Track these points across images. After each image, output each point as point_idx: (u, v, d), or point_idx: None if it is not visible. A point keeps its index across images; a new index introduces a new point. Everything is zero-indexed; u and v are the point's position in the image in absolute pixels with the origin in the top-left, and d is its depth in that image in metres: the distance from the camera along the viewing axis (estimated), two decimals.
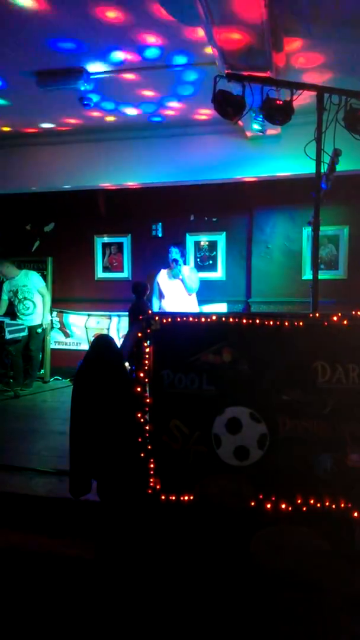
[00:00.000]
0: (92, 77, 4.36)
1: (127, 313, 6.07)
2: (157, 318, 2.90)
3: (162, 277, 5.92)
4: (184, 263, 5.90)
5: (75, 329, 7.18)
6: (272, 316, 2.83)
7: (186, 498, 2.87)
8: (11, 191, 6.69)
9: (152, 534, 2.81)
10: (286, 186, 6.03)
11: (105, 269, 7.17)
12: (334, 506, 2.73)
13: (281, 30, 3.56)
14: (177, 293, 5.80)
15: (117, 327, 6.95)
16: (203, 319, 2.92)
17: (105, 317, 7.04)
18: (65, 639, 2.20)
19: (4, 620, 2.30)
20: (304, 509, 2.75)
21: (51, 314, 6.94)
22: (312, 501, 2.75)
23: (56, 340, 7.22)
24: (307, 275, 6.21)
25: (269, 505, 2.78)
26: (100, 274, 7.19)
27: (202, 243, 6.79)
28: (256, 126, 4.64)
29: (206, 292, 6.34)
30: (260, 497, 2.79)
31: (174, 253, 5.77)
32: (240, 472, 2.81)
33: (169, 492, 2.88)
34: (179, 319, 2.94)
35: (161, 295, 5.92)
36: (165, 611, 2.31)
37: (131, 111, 5.35)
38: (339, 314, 2.76)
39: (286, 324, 2.78)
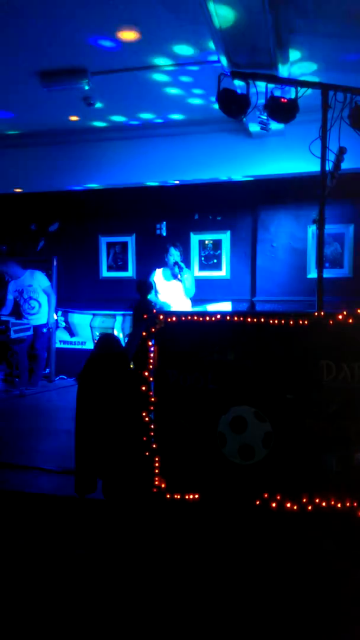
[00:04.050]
0: (95, 76, 4.36)
1: (131, 312, 6.08)
2: (161, 317, 2.90)
3: (159, 276, 5.91)
4: (185, 265, 5.91)
5: (80, 328, 7.19)
6: (277, 315, 2.82)
7: (191, 497, 2.87)
8: (16, 191, 6.71)
9: (157, 532, 2.81)
10: (291, 184, 6.02)
11: (110, 268, 7.18)
12: (339, 505, 2.72)
13: (285, 27, 3.55)
14: (173, 293, 5.80)
15: (121, 326, 6.95)
16: (208, 318, 2.92)
17: (110, 316, 7.05)
18: (69, 635, 2.20)
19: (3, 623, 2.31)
20: (309, 508, 2.74)
21: (56, 313, 6.96)
22: (317, 500, 2.74)
23: (61, 340, 7.24)
24: (312, 273, 6.19)
25: (274, 505, 2.77)
26: (104, 273, 7.20)
27: (206, 242, 6.78)
28: (260, 124, 4.63)
29: (210, 291, 6.35)
30: (265, 496, 2.78)
31: (176, 256, 5.77)
32: (245, 471, 2.81)
33: (174, 491, 2.88)
34: (183, 318, 2.94)
35: (156, 294, 5.92)
36: (166, 610, 2.32)
37: (134, 110, 5.35)
38: (344, 313, 2.75)
39: (291, 322, 2.77)
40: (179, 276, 5.71)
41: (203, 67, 4.27)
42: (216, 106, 3.78)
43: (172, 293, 5.80)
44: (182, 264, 5.73)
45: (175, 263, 5.70)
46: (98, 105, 5.03)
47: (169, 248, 5.85)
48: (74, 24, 3.63)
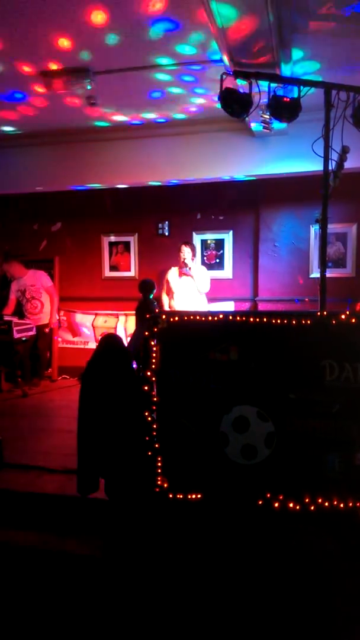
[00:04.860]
0: (98, 76, 4.36)
1: (134, 312, 6.08)
2: (164, 317, 2.90)
3: (172, 275, 5.96)
4: (194, 262, 5.93)
5: (83, 328, 7.20)
6: (280, 314, 2.82)
7: (194, 497, 2.87)
8: (18, 191, 6.72)
9: (159, 532, 2.81)
10: (293, 184, 6.01)
11: (112, 268, 7.18)
12: (342, 505, 2.72)
13: (288, 26, 3.54)
14: (187, 291, 5.83)
15: (124, 326, 6.96)
16: (210, 318, 2.92)
17: (113, 316, 7.06)
18: (72, 637, 2.20)
19: (9, 617, 2.32)
20: (312, 508, 2.74)
21: (59, 313, 6.96)
22: (320, 500, 2.73)
23: (64, 339, 7.25)
24: (315, 273, 6.18)
25: (276, 504, 2.77)
26: (107, 273, 7.20)
27: (209, 242, 6.78)
28: (263, 124, 4.62)
29: (213, 290, 6.35)
30: (268, 496, 2.78)
31: (186, 253, 5.79)
32: (247, 470, 2.80)
33: (176, 490, 2.88)
34: (186, 318, 2.94)
35: (170, 293, 5.95)
36: (168, 608, 2.31)
37: (136, 110, 5.35)
38: (347, 312, 2.74)
39: (293, 322, 2.77)
40: (190, 274, 5.76)
41: (205, 67, 4.26)
42: (219, 105, 3.77)
43: (186, 291, 5.84)
44: (190, 262, 5.77)
45: (183, 261, 5.76)
46: (100, 105, 5.03)
47: (180, 246, 5.89)
48: (77, 25, 3.63)
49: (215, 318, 2.90)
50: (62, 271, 7.20)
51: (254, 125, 5.22)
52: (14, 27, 3.66)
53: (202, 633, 2.18)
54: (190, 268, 5.76)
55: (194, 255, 5.89)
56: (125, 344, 4.37)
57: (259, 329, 2.81)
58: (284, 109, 3.67)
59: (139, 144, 6.01)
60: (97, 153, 6.14)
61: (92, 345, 6.95)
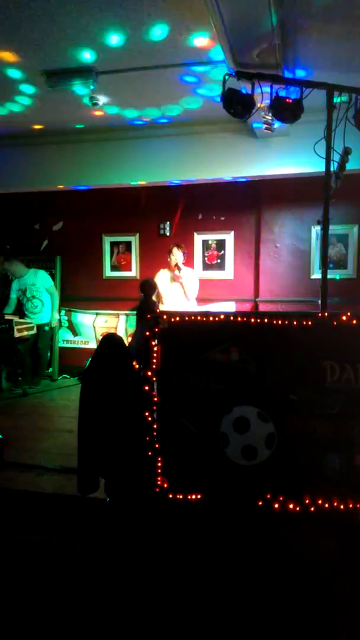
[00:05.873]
0: (100, 76, 4.36)
1: (135, 312, 6.08)
2: (164, 317, 2.90)
3: (162, 278, 5.88)
4: (187, 266, 5.88)
5: (84, 328, 7.20)
6: (281, 315, 2.82)
7: (194, 497, 2.87)
8: (20, 190, 6.72)
9: (159, 532, 2.81)
10: (295, 185, 6.01)
11: (113, 268, 7.19)
12: (342, 506, 2.72)
13: (290, 27, 3.54)
14: (176, 296, 5.77)
15: (125, 325, 6.96)
16: (211, 318, 2.92)
17: (114, 315, 7.06)
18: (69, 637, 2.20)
19: (7, 615, 2.32)
20: (312, 509, 2.74)
21: (59, 312, 6.97)
22: (320, 501, 2.74)
23: (64, 339, 7.25)
24: (316, 274, 6.18)
25: (276, 505, 2.77)
26: (108, 272, 7.21)
27: (210, 242, 6.78)
28: (265, 125, 4.63)
29: (214, 291, 6.35)
30: (268, 496, 2.78)
31: (178, 256, 5.74)
32: (247, 471, 2.80)
33: (176, 491, 2.88)
34: (186, 318, 2.94)
35: (159, 298, 5.86)
36: (167, 608, 2.31)
37: (138, 110, 5.35)
38: (348, 314, 2.74)
39: (294, 323, 2.77)
40: (179, 278, 5.72)
41: (208, 68, 4.26)
42: (221, 106, 3.77)
43: (175, 296, 5.79)
44: (182, 266, 5.72)
45: (175, 265, 5.70)
46: (102, 104, 5.03)
47: (171, 248, 5.83)
48: (80, 24, 3.63)
49: (216, 319, 2.90)
50: (63, 270, 7.21)
51: (255, 126, 5.21)
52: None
53: (202, 634, 2.18)
54: (181, 270, 5.70)
55: (185, 257, 5.84)
56: (126, 344, 4.38)
57: (260, 329, 2.81)
58: (287, 110, 3.67)
59: (140, 144, 6.01)
60: (99, 153, 6.14)
61: (93, 345, 6.96)
